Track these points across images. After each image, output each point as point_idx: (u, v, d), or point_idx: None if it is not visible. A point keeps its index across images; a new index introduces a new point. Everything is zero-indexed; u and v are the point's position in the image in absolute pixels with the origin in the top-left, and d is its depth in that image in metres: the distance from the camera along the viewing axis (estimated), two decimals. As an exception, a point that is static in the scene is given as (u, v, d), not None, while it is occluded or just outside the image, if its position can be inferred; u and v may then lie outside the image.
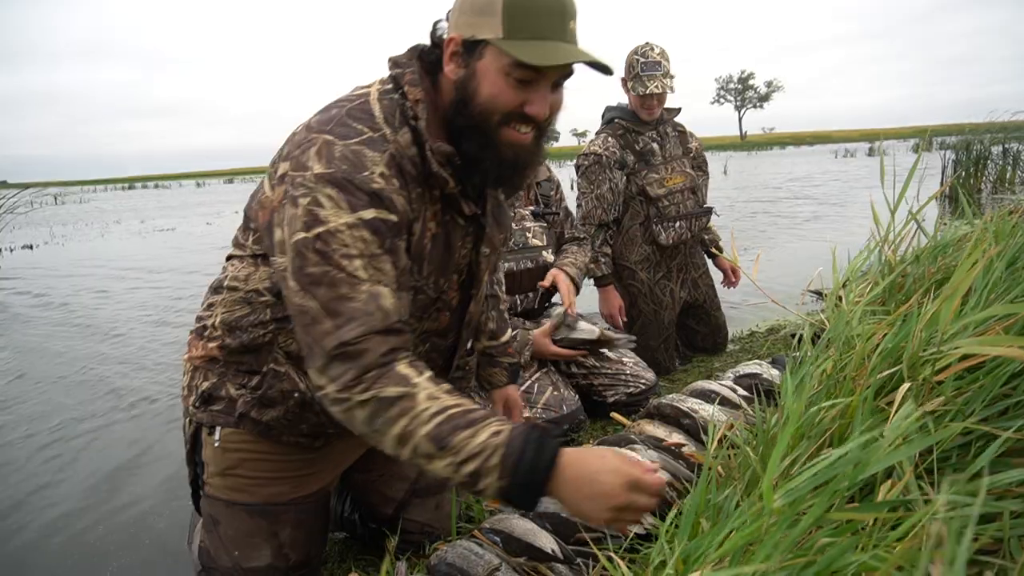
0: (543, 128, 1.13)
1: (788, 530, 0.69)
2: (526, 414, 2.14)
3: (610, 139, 2.78)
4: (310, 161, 1.04)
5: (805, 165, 23.72)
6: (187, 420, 1.33)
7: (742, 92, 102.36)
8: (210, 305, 1.27)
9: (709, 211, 2.92)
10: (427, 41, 1.19)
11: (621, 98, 2.91)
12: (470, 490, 0.98)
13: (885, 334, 1.26)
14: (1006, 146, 11.06)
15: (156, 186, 50.54)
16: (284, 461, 1.31)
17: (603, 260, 2.77)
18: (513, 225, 2.32)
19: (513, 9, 1.02)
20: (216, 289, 1.28)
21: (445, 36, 1.11)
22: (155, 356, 3.87)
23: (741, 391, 1.95)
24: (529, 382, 2.20)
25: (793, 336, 2.92)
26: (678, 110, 2.95)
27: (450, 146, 1.12)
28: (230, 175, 77.90)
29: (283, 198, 1.06)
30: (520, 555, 1.26)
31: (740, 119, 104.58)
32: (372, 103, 1.12)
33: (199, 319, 1.31)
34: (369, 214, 1.02)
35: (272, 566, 1.30)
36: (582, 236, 2.58)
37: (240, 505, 1.29)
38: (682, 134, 2.97)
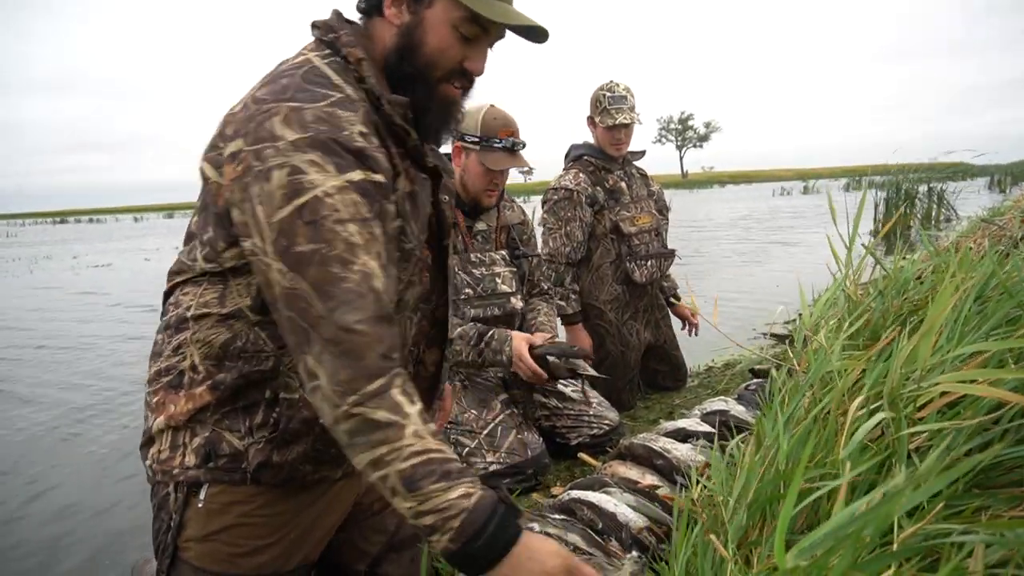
0: (472, 86, 1.13)
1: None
2: (489, 458, 2.07)
3: (581, 175, 2.78)
4: (277, 130, 0.95)
5: (746, 202, 24.57)
6: (172, 486, 1.13)
7: (682, 132, 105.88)
8: (178, 347, 1.11)
9: (673, 253, 2.95)
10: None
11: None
12: (418, 530, 0.95)
13: (863, 370, 1.25)
14: (931, 185, 11.71)
15: (91, 220, 48.69)
16: (275, 519, 1.16)
17: (573, 298, 2.75)
18: (484, 271, 2.26)
19: None
20: (178, 327, 1.12)
21: None
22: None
23: (707, 427, 1.93)
24: (492, 425, 2.12)
25: (752, 372, 2.94)
26: (642, 153, 2.99)
27: (403, 96, 1.08)
28: (170, 209, 75.62)
29: (243, 175, 0.95)
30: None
31: (681, 158, 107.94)
32: (323, 67, 1.05)
33: (168, 370, 1.13)
34: (357, 176, 0.95)
35: None
36: (548, 289, 2.53)
37: None
38: (644, 177, 3.00)
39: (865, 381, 1.23)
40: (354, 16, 1.15)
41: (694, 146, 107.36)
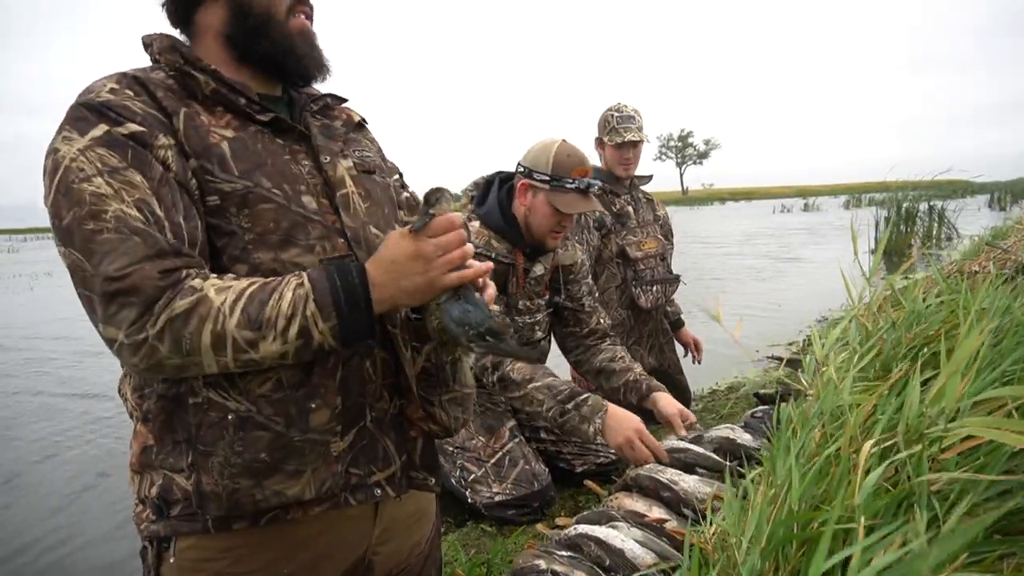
0: (312, 9, 1.12)
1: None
2: (495, 488, 2.04)
3: None
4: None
5: (746, 219, 24.60)
6: (146, 542, 1.06)
7: (682, 149, 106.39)
8: (120, 386, 1.08)
9: (678, 278, 2.94)
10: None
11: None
12: (313, 351, 0.94)
13: (875, 405, 1.23)
14: (931, 204, 11.73)
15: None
16: (257, 574, 1.05)
17: None
18: (527, 318, 2.17)
19: None
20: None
21: None
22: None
23: (714, 456, 1.90)
24: (500, 454, 2.10)
25: (757, 397, 2.92)
26: (648, 178, 2.99)
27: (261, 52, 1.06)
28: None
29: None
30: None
31: (681, 175, 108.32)
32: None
33: (131, 415, 1.08)
34: (99, 131, 0.92)
35: None
36: (598, 324, 2.34)
37: None
38: (650, 201, 3.00)
39: (878, 416, 1.21)
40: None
41: (694, 163, 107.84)
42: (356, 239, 1.08)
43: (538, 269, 2.17)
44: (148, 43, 1.07)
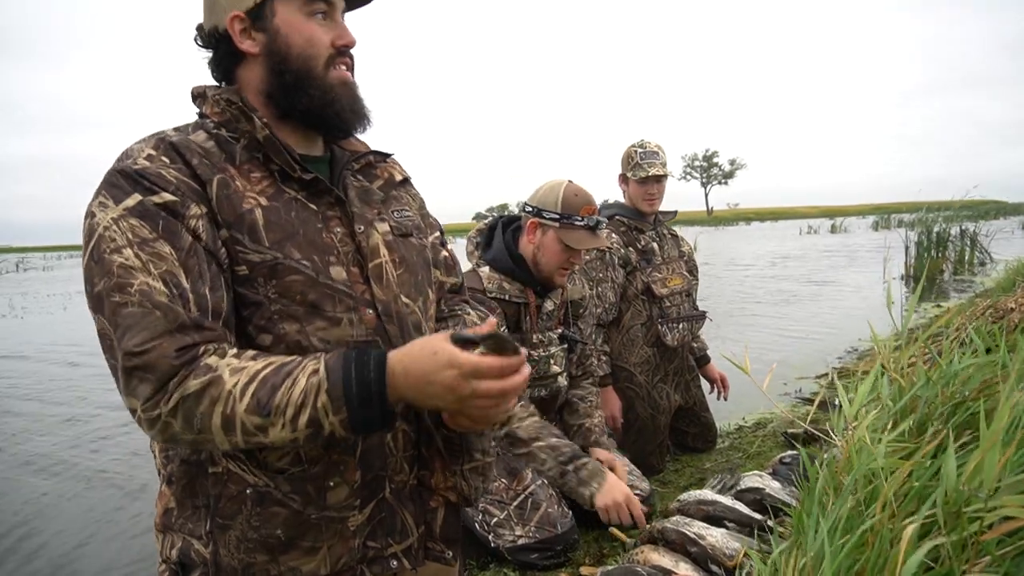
0: (352, 60, 1.11)
1: None
2: (517, 532, 2.02)
3: (613, 235, 2.76)
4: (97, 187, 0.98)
5: (772, 241, 24.35)
6: None
7: (707, 169, 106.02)
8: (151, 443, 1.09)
9: (704, 315, 2.90)
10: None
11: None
12: (324, 439, 0.92)
13: (911, 471, 1.20)
14: (962, 227, 11.49)
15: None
16: None
17: (603, 359, 2.71)
18: (541, 352, 2.22)
19: None
20: None
21: (219, 25, 1.05)
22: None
23: (743, 507, 1.86)
24: (522, 496, 2.08)
25: (785, 437, 2.86)
26: (673, 213, 2.98)
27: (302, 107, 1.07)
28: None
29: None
30: None
31: (706, 195, 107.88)
32: (164, 129, 1.06)
33: (158, 473, 1.10)
34: (132, 201, 0.93)
35: None
36: (590, 366, 2.48)
37: None
38: (675, 237, 2.99)
39: (913, 483, 1.18)
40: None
41: (719, 183, 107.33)
42: (387, 312, 1.08)
43: (549, 305, 2.26)
44: (199, 94, 1.08)
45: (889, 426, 1.34)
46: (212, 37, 1.07)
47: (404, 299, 1.12)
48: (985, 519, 0.93)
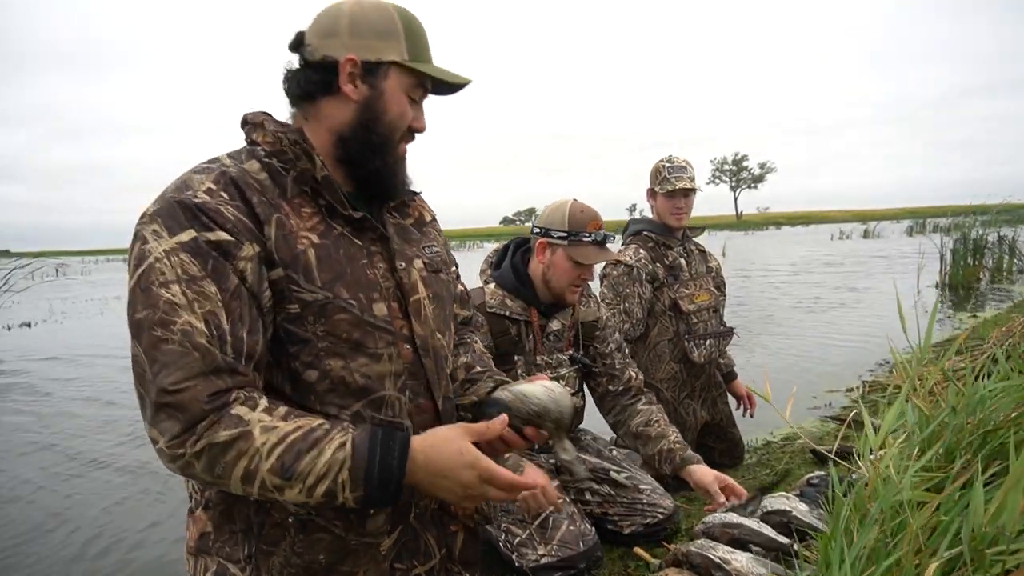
0: (414, 140, 1.20)
1: None
2: (540, 551, 2.03)
3: (641, 251, 2.77)
4: (148, 207, 1.01)
5: (803, 247, 23.98)
6: None
7: (736, 173, 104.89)
8: None
9: (731, 331, 2.89)
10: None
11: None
12: (332, 507, 0.96)
13: (938, 504, 1.18)
14: (1001, 233, 11.18)
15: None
16: None
17: None
18: (549, 373, 2.23)
19: (412, 35, 1.11)
20: None
21: (327, 57, 1.08)
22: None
23: (769, 531, 1.85)
24: (543, 515, 2.09)
25: (814, 454, 2.83)
26: (701, 229, 2.98)
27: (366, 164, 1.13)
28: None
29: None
30: None
31: (735, 199, 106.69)
32: (220, 156, 1.11)
33: (190, 497, 1.16)
34: (186, 236, 0.96)
35: None
36: (643, 383, 2.42)
37: None
38: (703, 253, 2.98)
39: (941, 517, 1.17)
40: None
41: (748, 187, 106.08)
42: (424, 347, 1.14)
43: (555, 325, 2.27)
44: (255, 123, 1.11)
45: (916, 454, 1.32)
46: (315, 61, 1.10)
47: (437, 334, 1.18)
48: (1007, 562, 0.92)
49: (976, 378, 1.58)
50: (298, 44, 1.12)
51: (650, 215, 2.90)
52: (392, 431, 0.99)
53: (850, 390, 4.41)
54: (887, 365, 5.02)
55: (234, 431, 0.91)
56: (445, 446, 0.98)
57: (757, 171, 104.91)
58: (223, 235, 0.98)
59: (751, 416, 3.08)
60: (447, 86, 1.16)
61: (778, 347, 6.09)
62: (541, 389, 1.14)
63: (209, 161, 1.08)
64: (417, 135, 1.17)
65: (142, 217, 1.00)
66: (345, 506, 0.96)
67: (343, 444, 0.94)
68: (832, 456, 1.65)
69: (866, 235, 29.29)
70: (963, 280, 9.81)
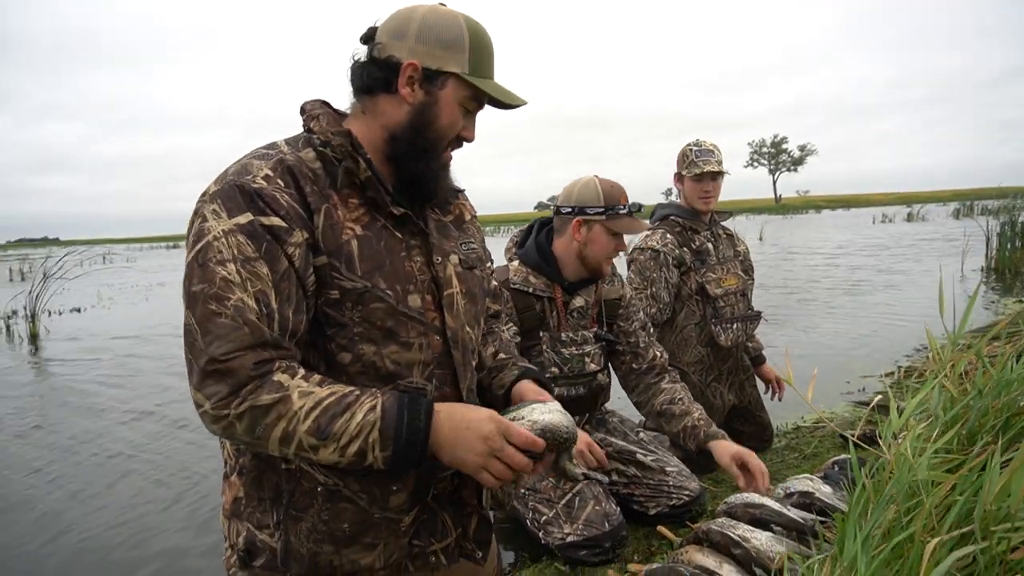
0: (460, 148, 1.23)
1: None
2: (566, 529, 2.08)
3: (668, 235, 2.77)
4: (209, 187, 1.07)
5: (843, 231, 23.44)
6: None
7: (775, 156, 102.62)
8: None
9: (759, 315, 2.88)
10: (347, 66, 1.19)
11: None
12: (362, 467, 1.02)
13: (954, 484, 1.19)
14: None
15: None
16: None
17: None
18: (573, 350, 2.28)
19: (478, 50, 1.14)
20: None
21: (392, 57, 1.12)
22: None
23: (791, 511, 1.87)
24: (570, 495, 2.14)
25: (842, 438, 2.82)
26: (729, 214, 2.97)
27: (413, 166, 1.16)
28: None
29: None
30: None
31: (774, 182, 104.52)
32: (278, 142, 1.15)
33: (225, 463, 1.21)
34: (245, 218, 1.02)
35: None
36: (668, 365, 2.45)
37: None
38: (730, 237, 2.98)
39: (957, 496, 1.18)
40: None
41: (788, 170, 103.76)
42: (455, 339, 1.20)
43: (578, 301, 2.31)
44: (311, 114, 1.17)
45: (936, 436, 1.33)
46: (380, 59, 1.14)
47: (467, 328, 1.23)
48: (1012, 539, 0.93)
49: (1011, 363, 1.57)
50: (369, 38, 1.17)
51: (676, 199, 2.90)
52: (418, 396, 1.07)
53: (888, 375, 4.35)
54: (925, 351, 4.93)
55: (275, 395, 0.98)
56: (466, 408, 1.07)
57: (797, 153, 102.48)
58: (277, 220, 1.04)
59: (779, 400, 3.07)
60: (503, 104, 1.19)
61: (815, 331, 6.02)
62: (548, 409, 1.15)
63: (268, 146, 1.13)
64: (465, 143, 1.22)
65: (203, 196, 1.07)
66: (374, 467, 1.02)
67: (374, 407, 1.01)
68: (854, 439, 1.65)
69: (910, 218, 28.50)
70: (1010, 264, 9.51)
